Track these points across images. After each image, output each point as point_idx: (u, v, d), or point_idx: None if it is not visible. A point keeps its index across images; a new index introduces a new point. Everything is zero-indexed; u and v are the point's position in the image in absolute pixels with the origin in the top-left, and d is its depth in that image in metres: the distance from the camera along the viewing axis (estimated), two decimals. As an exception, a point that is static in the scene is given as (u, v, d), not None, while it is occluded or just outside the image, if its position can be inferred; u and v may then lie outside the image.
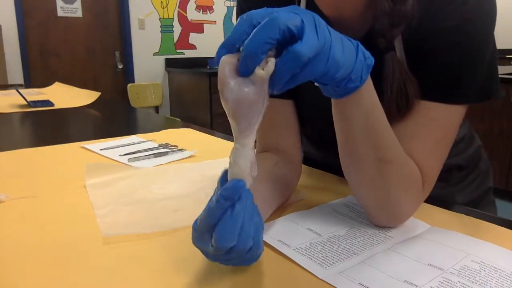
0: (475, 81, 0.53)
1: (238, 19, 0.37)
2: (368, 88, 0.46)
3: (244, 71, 0.35)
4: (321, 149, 0.83)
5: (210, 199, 0.39)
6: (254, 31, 0.35)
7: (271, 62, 0.36)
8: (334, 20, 0.59)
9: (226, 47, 0.36)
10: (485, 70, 0.54)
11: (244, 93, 0.35)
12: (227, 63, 0.36)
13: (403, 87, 0.53)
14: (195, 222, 0.40)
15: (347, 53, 0.41)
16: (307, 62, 0.37)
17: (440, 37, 0.52)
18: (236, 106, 0.36)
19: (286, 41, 0.36)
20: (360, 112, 0.47)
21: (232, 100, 0.35)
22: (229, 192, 0.37)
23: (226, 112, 0.37)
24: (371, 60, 0.44)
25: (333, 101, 0.49)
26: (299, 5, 0.63)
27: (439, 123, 0.54)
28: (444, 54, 0.52)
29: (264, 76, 0.36)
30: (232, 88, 0.35)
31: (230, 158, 0.38)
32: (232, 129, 0.38)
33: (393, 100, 0.53)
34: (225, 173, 0.40)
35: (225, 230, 0.37)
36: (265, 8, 0.37)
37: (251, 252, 0.40)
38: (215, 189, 0.40)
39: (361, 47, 0.43)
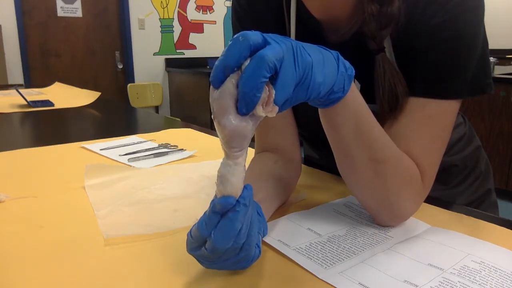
0: (466, 76, 0.54)
1: (232, 40, 0.36)
2: (353, 95, 0.47)
3: (244, 111, 0.36)
4: (317, 149, 0.83)
5: (206, 211, 0.39)
6: (245, 70, 0.35)
7: (274, 108, 0.37)
8: (324, 22, 0.59)
9: (224, 71, 0.36)
10: (477, 64, 0.54)
11: (242, 126, 0.36)
12: (230, 93, 0.36)
13: (394, 87, 0.53)
14: (191, 231, 0.40)
15: (329, 69, 0.41)
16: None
17: (428, 34, 0.52)
18: (232, 136, 0.36)
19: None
20: (348, 119, 0.48)
21: (229, 130, 0.36)
22: (221, 208, 0.37)
23: (219, 136, 0.37)
24: (351, 71, 0.44)
25: (320, 110, 0.49)
26: (288, 7, 0.63)
27: (434, 119, 0.54)
28: (433, 51, 0.53)
29: (264, 116, 0.37)
30: (232, 120, 0.36)
31: (219, 173, 0.38)
32: (222, 147, 0.38)
33: (385, 100, 0.54)
34: None
35: (222, 233, 0.37)
36: (254, 31, 0.37)
37: (244, 251, 0.40)
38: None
39: (341, 58, 0.44)
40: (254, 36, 0.36)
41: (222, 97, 0.36)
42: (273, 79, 0.36)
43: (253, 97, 0.35)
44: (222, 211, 0.37)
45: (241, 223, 0.38)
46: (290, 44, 0.37)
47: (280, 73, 0.36)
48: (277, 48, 0.36)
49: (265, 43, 0.36)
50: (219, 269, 0.43)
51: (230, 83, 0.36)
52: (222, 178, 0.37)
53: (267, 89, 0.36)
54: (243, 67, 0.36)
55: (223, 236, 0.37)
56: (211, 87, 0.37)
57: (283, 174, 0.62)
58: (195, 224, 0.40)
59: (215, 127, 0.37)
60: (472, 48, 0.53)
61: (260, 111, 0.36)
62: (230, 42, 0.36)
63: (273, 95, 0.36)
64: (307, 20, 0.60)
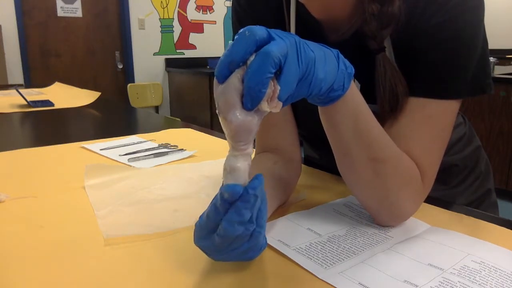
0: (466, 76, 0.54)
1: (238, 35, 0.36)
2: (352, 93, 0.47)
3: (249, 106, 0.36)
4: (317, 148, 0.83)
5: (215, 197, 0.39)
6: (251, 66, 0.35)
7: (279, 104, 0.37)
8: (323, 22, 0.59)
9: (230, 66, 0.36)
10: (477, 64, 0.54)
11: (248, 121, 0.36)
12: (235, 88, 0.36)
13: (394, 87, 0.54)
14: (201, 218, 0.40)
15: (330, 66, 0.41)
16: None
17: (428, 34, 0.52)
18: (238, 130, 0.36)
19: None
20: (347, 117, 0.48)
21: (235, 125, 0.36)
22: (229, 197, 0.37)
23: (225, 131, 0.37)
24: (351, 69, 0.45)
25: (319, 108, 0.49)
26: (288, 6, 0.63)
27: (434, 119, 0.54)
28: (433, 51, 0.53)
29: (269, 111, 0.37)
30: (238, 115, 0.36)
31: (225, 165, 0.38)
32: (228, 141, 0.38)
33: (386, 100, 0.54)
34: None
35: (231, 221, 0.37)
36: (259, 26, 0.36)
37: (254, 238, 0.39)
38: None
39: (341, 56, 0.44)
40: (260, 31, 0.36)
41: (227, 92, 0.36)
42: (276, 74, 0.36)
43: (259, 93, 0.35)
44: (230, 200, 0.37)
45: (250, 212, 0.37)
46: (293, 40, 0.37)
47: (284, 69, 0.36)
48: (281, 43, 0.36)
49: (270, 38, 0.36)
50: (227, 260, 0.42)
51: (235, 78, 0.36)
52: (229, 168, 0.37)
53: (272, 84, 0.36)
54: (248, 62, 0.36)
55: (233, 223, 0.37)
56: (215, 81, 0.37)
57: (283, 175, 0.62)
58: (204, 213, 0.40)
59: (220, 121, 0.37)
60: (472, 48, 0.53)
61: (265, 106, 0.36)
62: (236, 37, 0.36)
63: (278, 91, 0.36)
64: (307, 19, 0.60)
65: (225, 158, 0.38)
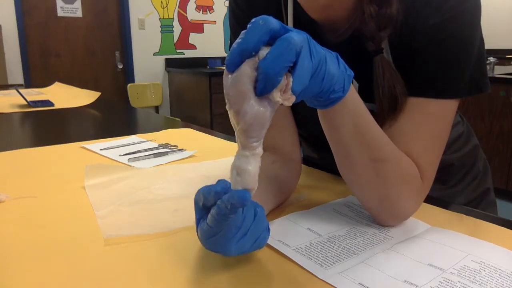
0: (464, 75, 0.54)
1: (251, 23, 0.36)
2: (352, 96, 0.47)
3: (262, 92, 0.35)
4: (317, 149, 0.83)
5: (216, 206, 0.38)
6: (271, 51, 0.35)
7: (292, 97, 0.36)
8: (321, 22, 0.59)
9: (241, 55, 0.35)
10: (474, 64, 0.55)
11: (262, 112, 0.35)
12: (248, 76, 0.35)
13: (393, 88, 0.54)
14: (201, 226, 0.40)
15: (334, 67, 0.42)
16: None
17: (426, 35, 0.53)
18: (253, 122, 0.35)
19: None
20: (347, 119, 0.48)
21: (250, 116, 0.35)
22: (236, 201, 0.37)
23: (238, 126, 0.36)
24: (350, 72, 0.45)
25: (319, 111, 0.49)
26: (285, 7, 0.63)
27: (433, 118, 0.54)
28: (431, 51, 0.53)
29: (280, 102, 0.36)
30: (253, 104, 0.35)
31: (234, 165, 0.37)
32: (238, 139, 0.37)
33: (385, 101, 0.54)
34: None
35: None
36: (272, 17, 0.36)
37: (258, 218, 0.41)
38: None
39: (340, 59, 0.44)
40: (274, 21, 0.35)
41: (239, 81, 0.35)
42: (289, 67, 0.36)
43: (275, 80, 0.34)
44: (235, 205, 0.37)
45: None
46: (305, 35, 0.37)
47: (298, 62, 0.36)
48: (300, 35, 0.36)
49: (284, 30, 0.36)
50: (243, 252, 0.42)
51: (247, 67, 0.35)
52: (239, 169, 0.37)
53: (285, 76, 0.36)
54: (260, 52, 0.35)
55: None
56: (224, 72, 0.37)
57: (280, 174, 0.62)
58: (204, 221, 0.40)
59: (231, 117, 0.36)
60: (470, 48, 0.53)
61: (277, 96, 0.36)
62: (249, 25, 0.35)
63: (291, 83, 0.36)
64: (304, 20, 0.60)
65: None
